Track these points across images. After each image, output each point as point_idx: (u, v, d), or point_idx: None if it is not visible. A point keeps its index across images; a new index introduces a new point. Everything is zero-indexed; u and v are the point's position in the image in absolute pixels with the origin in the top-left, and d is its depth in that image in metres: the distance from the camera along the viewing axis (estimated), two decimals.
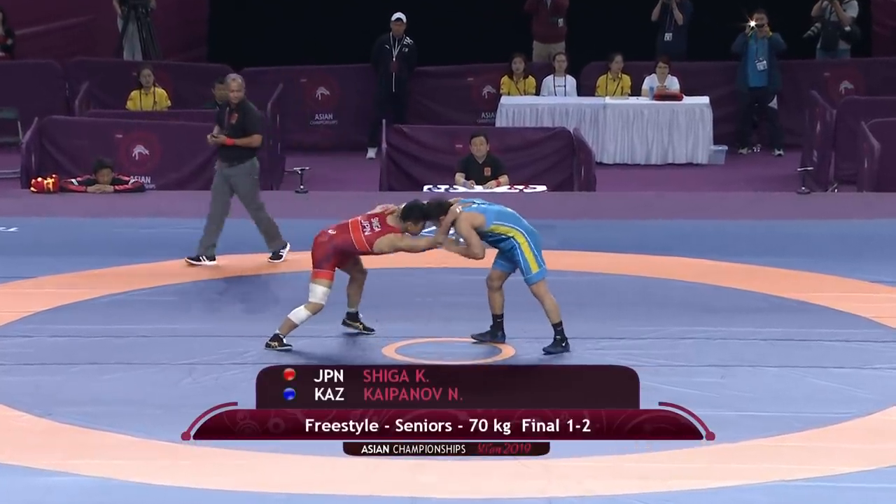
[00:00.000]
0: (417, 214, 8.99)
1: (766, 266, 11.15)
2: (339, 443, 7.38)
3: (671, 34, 17.75)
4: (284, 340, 9.07)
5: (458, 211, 8.94)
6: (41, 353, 9.05)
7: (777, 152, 17.00)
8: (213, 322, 9.70)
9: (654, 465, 7.21)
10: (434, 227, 9.08)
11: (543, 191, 14.50)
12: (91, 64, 17.59)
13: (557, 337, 9.03)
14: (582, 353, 9.02)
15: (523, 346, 9.16)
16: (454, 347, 9.19)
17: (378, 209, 9.13)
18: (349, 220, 9.10)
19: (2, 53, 17.88)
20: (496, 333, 9.22)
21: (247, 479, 7.03)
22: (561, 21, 17.82)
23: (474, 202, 9.11)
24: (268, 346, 9.07)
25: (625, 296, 10.42)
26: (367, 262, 9.34)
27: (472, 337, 9.23)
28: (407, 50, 17.11)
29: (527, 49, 17.86)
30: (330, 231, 9.10)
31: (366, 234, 8.98)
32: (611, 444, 7.46)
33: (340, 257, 9.07)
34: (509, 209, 9.15)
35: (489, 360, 8.95)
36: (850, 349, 9.13)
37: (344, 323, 9.36)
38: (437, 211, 9.01)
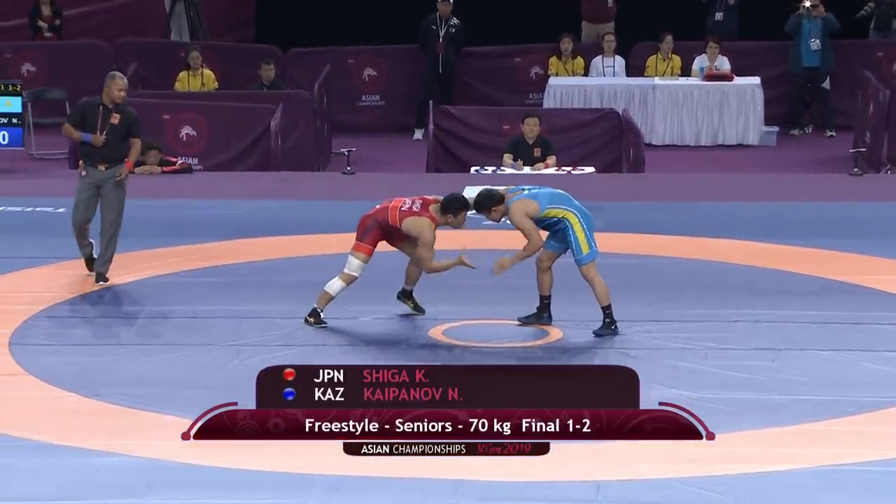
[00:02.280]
0: (457, 206, 8.95)
1: (818, 248, 11.04)
2: None
3: (722, 13, 17.59)
4: (322, 316, 9.11)
5: (510, 203, 8.83)
6: (88, 334, 9.08)
7: (829, 133, 16.83)
8: (260, 303, 9.70)
9: (703, 450, 7.12)
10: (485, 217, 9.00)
11: (591, 172, 14.42)
12: (139, 45, 17.65)
13: (607, 320, 8.96)
14: (631, 336, 8.96)
15: (570, 328, 9.11)
16: (501, 329, 9.15)
17: (431, 198, 9.11)
18: (396, 204, 9.09)
19: (50, 34, 17.96)
20: (542, 315, 9.17)
21: (295, 461, 7.02)
22: (610, 1, 17.69)
23: (524, 188, 9.01)
24: (306, 321, 9.10)
25: (673, 278, 10.34)
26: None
27: (518, 320, 9.18)
28: (454, 30, 17.05)
29: (575, 29, 17.76)
30: (376, 206, 9.09)
31: (402, 209, 8.97)
32: None
33: (381, 232, 9.07)
34: (560, 191, 9.07)
35: (536, 343, 8.90)
36: None
37: (398, 297, 9.33)
38: (490, 202, 8.89)
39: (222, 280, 10.37)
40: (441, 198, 9.09)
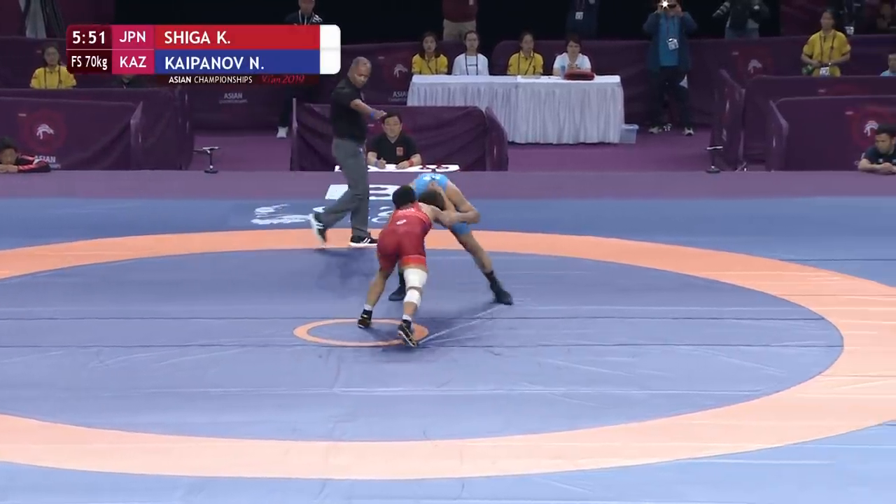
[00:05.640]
0: (430, 198, 9.33)
1: (676, 245, 11.22)
2: (254, 427, 7.35)
3: (582, 13, 17.80)
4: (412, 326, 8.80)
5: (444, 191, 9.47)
6: None
7: (687, 131, 17.13)
8: (120, 304, 9.57)
9: (567, 445, 7.24)
10: None
11: (456, 170, 14.47)
12: None
13: (500, 281, 9.53)
14: (494, 332, 9.02)
15: (434, 326, 9.13)
16: (365, 328, 9.12)
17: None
18: (408, 213, 9.13)
19: None
20: (502, 293, 9.67)
21: (157, 462, 6.94)
22: None
23: (427, 176, 9.59)
24: (401, 332, 8.71)
25: (536, 275, 10.42)
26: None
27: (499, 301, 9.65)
28: None
29: (438, 27, 17.81)
30: (402, 222, 9.03)
31: (419, 215, 9.14)
32: (525, 423, 7.51)
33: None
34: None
35: (401, 342, 8.90)
36: (759, 327, 9.20)
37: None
38: (436, 200, 9.33)
39: (82, 280, 10.21)
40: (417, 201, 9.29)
